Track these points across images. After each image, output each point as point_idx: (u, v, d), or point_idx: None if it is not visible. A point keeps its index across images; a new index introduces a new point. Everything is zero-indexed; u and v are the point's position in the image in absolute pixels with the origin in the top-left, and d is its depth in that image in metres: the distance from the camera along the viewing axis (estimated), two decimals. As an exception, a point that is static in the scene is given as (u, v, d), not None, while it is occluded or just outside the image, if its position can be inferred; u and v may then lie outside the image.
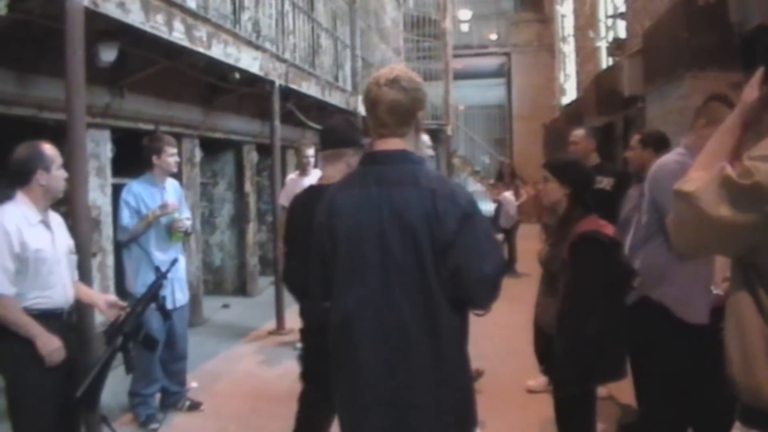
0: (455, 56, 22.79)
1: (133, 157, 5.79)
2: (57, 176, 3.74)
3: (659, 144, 4.67)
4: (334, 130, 4.01)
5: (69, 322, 3.87)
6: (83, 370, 3.84)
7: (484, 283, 2.43)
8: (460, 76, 23.92)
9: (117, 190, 6.24)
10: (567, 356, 3.58)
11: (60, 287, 3.74)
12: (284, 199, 7.15)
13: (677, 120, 5.90)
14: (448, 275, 2.38)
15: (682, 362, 3.84)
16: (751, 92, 2.00)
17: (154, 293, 4.38)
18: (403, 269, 2.39)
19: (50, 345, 3.57)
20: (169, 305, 5.17)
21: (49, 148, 3.72)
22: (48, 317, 3.64)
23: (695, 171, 1.92)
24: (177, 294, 5.33)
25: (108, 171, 6.54)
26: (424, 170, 2.50)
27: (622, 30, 12.98)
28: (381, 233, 2.41)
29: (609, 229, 3.68)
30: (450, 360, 2.45)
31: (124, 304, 4.08)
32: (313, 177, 6.93)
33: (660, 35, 6.79)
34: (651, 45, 7.23)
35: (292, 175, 7.72)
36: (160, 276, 4.50)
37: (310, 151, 7.46)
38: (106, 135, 6.50)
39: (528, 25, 25.89)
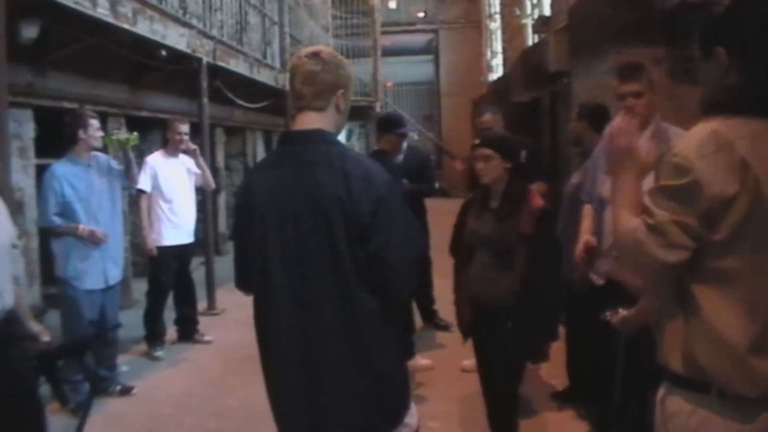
0: (383, 33, 22.76)
1: (57, 136, 5.65)
2: None
3: (595, 116, 4.73)
4: (391, 118, 6.12)
5: (7, 331, 3.24)
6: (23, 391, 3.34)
7: (404, 267, 2.41)
8: (388, 53, 23.89)
9: (40, 171, 6.09)
10: (538, 327, 3.69)
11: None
12: (145, 182, 6.32)
13: (602, 94, 5.97)
14: (367, 259, 2.34)
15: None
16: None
17: (76, 350, 4.07)
18: (317, 254, 2.35)
19: None
20: (100, 285, 5.12)
21: None
22: None
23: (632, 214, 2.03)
24: (111, 271, 5.23)
25: (31, 151, 6.36)
26: (338, 150, 2.44)
27: (547, 8, 13.13)
28: (295, 216, 2.36)
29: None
30: (369, 345, 2.40)
31: (47, 339, 3.48)
32: (185, 159, 6.67)
33: (585, 12, 6.91)
34: (576, 21, 7.35)
35: (156, 154, 6.66)
36: (91, 337, 4.43)
37: (185, 128, 6.66)
38: (28, 114, 6.31)
39: (455, 2, 25.96)
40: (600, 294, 3.70)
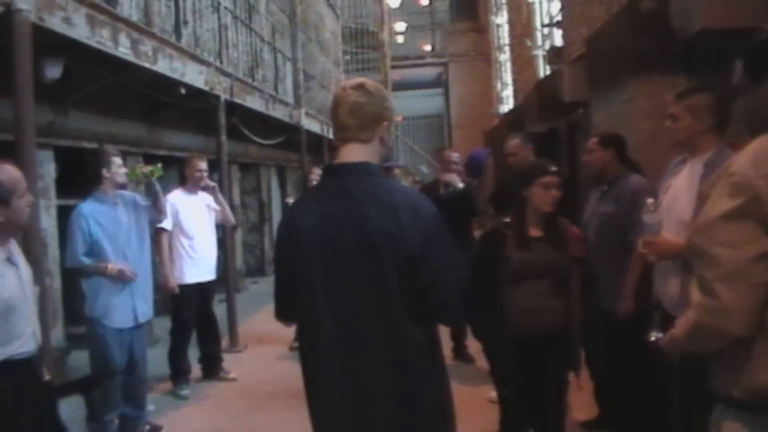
0: (393, 67, 22.92)
1: (77, 176, 5.66)
2: (19, 208, 3.16)
3: (619, 144, 4.74)
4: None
5: (38, 370, 3.31)
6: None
7: (455, 299, 2.41)
8: (398, 87, 24.06)
9: (62, 212, 6.10)
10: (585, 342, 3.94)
11: (30, 332, 3.21)
12: (166, 220, 6.12)
13: (623, 124, 5.99)
14: (418, 293, 2.33)
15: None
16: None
17: (82, 388, 4.00)
18: (364, 287, 2.34)
19: None
20: (129, 323, 5.08)
21: (7, 173, 3.14)
22: (17, 367, 3.11)
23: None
24: (141, 308, 5.18)
25: (52, 192, 6.38)
26: (385, 183, 2.45)
27: (558, 38, 13.19)
28: (342, 250, 2.35)
29: None
30: (415, 377, 2.39)
31: (48, 378, 3.46)
32: (204, 196, 6.65)
33: (603, 41, 6.91)
34: (594, 51, 7.35)
35: (175, 192, 6.59)
36: (99, 377, 4.52)
37: (203, 164, 6.66)
38: (49, 155, 6.34)
39: (464, 35, 26.18)
40: (639, 323, 3.72)
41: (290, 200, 8.09)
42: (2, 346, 3.06)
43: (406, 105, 27.50)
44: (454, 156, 6.93)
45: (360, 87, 2.46)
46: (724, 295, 1.81)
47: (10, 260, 3.18)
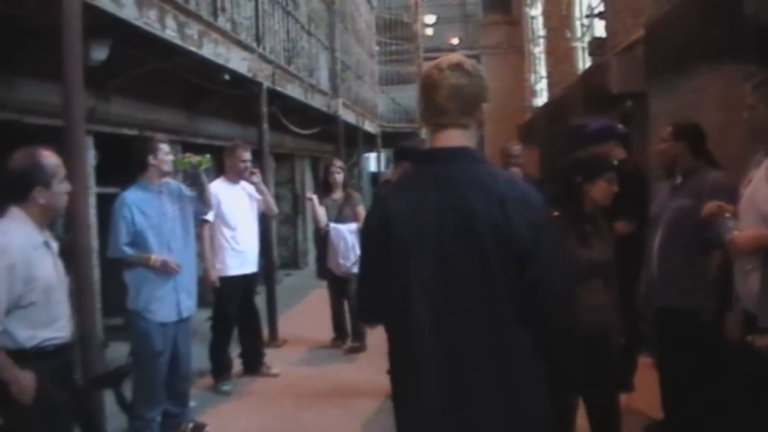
0: (425, 59, 22.67)
1: (115, 164, 5.47)
2: (58, 192, 3.27)
3: (694, 136, 4.44)
4: (407, 146, 6.17)
5: (73, 358, 3.49)
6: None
7: (566, 297, 2.22)
8: (429, 79, 23.82)
9: (100, 200, 5.93)
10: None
11: (66, 317, 3.34)
12: (211, 212, 5.92)
13: (690, 114, 5.66)
14: (523, 288, 2.12)
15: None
16: None
17: (110, 381, 3.93)
18: (467, 282, 2.12)
19: (26, 391, 3.08)
20: (173, 317, 4.87)
21: (49, 158, 3.25)
22: (59, 353, 3.25)
23: None
24: (184, 302, 4.95)
25: (92, 179, 6.18)
26: (489, 170, 2.23)
27: (599, 29, 12.85)
28: (441, 242, 2.14)
29: None
30: (519, 384, 2.18)
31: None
32: (245, 186, 6.44)
33: (666, 28, 6.58)
34: (655, 38, 7.01)
35: (217, 181, 6.36)
36: (127, 367, 4.28)
37: (247, 154, 6.45)
38: (89, 141, 6.14)
39: (497, 27, 25.82)
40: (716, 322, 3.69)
41: (310, 195, 7.76)
42: (44, 327, 3.17)
43: (437, 97, 27.33)
44: (516, 149, 6.77)
45: (458, 67, 2.25)
46: None
47: (47, 244, 3.28)
